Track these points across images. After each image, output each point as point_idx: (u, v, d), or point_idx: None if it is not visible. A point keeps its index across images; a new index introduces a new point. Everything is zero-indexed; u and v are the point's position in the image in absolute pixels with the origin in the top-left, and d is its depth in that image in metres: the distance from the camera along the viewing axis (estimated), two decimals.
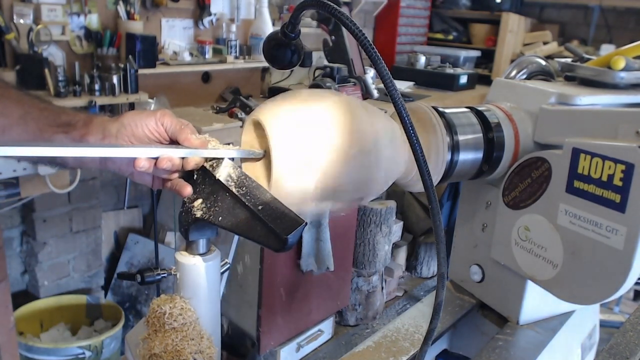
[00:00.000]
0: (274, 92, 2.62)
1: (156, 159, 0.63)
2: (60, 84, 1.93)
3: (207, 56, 2.56)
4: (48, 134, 0.66)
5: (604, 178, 0.78)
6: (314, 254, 2.25)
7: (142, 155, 0.63)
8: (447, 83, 3.29)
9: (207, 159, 0.66)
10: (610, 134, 0.82)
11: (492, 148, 0.92)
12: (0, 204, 2.03)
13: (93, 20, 2.18)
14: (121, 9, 2.23)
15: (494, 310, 1.08)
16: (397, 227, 2.89)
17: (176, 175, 0.68)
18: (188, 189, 0.66)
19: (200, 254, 0.69)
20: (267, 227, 0.59)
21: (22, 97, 0.69)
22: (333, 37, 2.40)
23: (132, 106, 2.18)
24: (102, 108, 2.12)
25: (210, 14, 2.58)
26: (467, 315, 1.10)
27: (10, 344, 1.68)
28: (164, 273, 0.78)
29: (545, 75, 1.14)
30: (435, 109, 0.89)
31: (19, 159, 0.75)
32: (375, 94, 2.54)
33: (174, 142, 0.67)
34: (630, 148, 0.75)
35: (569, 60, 1.11)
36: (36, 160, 0.74)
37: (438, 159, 0.85)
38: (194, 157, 0.65)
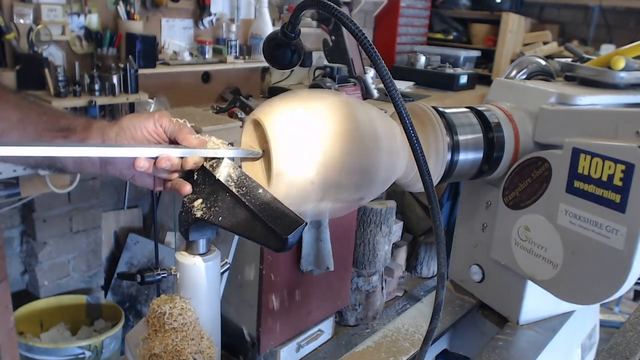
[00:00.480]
0: (274, 92, 2.62)
1: (155, 158, 0.64)
2: (60, 84, 1.93)
3: (207, 56, 2.56)
4: (47, 139, 0.66)
5: (604, 178, 0.78)
6: (314, 254, 2.25)
7: (141, 154, 0.63)
8: (447, 83, 3.29)
9: (206, 159, 0.66)
10: (610, 134, 0.82)
11: (492, 148, 0.91)
12: (0, 204, 2.03)
13: (93, 20, 2.18)
14: (121, 9, 2.23)
15: (494, 310, 1.08)
16: (397, 227, 2.89)
17: (176, 175, 0.68)
18: (187, 187, 0.66)
19: (200, 254, 0.69)
20: (267, 227, 0.59)
21: (21, 101, 0.68)
22: (333, 37, 2.40)
23: (132, 106, 2.17)
24: (102, 108, 2.12)
25: (210, 14, 2.58)
26: (467, 315, 1.09)
27: (10, 344, 1.68)
28: (164, 273, 0.78)
29: (545, 75, 1.14)
30: (435, 109, 0.89)
31: (18, 160, 0.73)
32: (375, 94, 2.54)
33: (173, 142, 0.67)
34: (630, 148, 0.75)
35: (569, 60, 1.11)
36: (35, 165, 0.72)
37: (438, 159, 0.85)
38: (193, 156, 0.65)
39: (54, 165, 0.70)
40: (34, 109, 0.68)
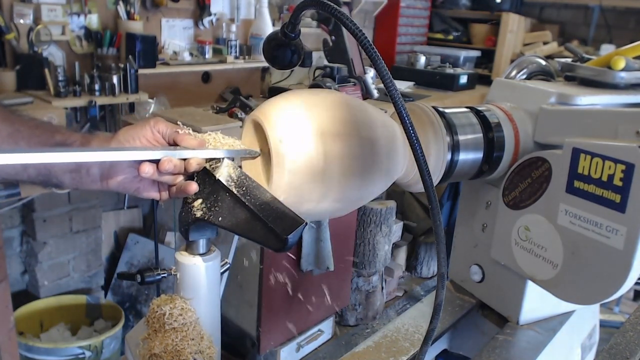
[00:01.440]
0: (274, 92, 2.62)
1: (157, 162, 0.63)
2: (60, 84, 1.93)
3: (207, 56, 2.56)
4: None
5: (604, 178, 0.78)
6: (314, 254, 2.25)
7: (143, 157, 0.63)
8: (447, 83, 3.29)
9: (206, 159, 0.66)
10: (610, 134, 0.82)
11: (492, 148, 0.91)
12: (0, 204, 2.03)
13: (93, 20, 2.18)
14: (121, 9, 2.23)
15: (494, 310, 1.08)
16: (397, 227, 2.89)
17: (180, 179, 0.67)
18: (193, 186, 0.65)
19: (200, 254, 0.69)
20: (267, 227, 0.59)
21: (10, 114, 0.65)
22: (333, 37, 2.39)
23: (132, 106, 2.17)
24: (102, 108, 2.12)
25: (210, 14, 2.58)
26: (467, 315, 1.09)
27: (10, 344, 1.68)
28: (164, 273, 0.78)
29: (545, 75, 1.14)
30: (435, 109, 0.89)
31: (9, 175, 0.68)
32: (375, 94, 2.54)
33: (172, 146, 0.67)
34: (630, 148, 0.75)
35: (569, 60, 1.11)
36: (28, 180, 0.67)
37: (438, 159, 0.85)
38: (195, 157, 0.65)
39: (49, 181, 0.66)
40: (25, 123, 0.65)
